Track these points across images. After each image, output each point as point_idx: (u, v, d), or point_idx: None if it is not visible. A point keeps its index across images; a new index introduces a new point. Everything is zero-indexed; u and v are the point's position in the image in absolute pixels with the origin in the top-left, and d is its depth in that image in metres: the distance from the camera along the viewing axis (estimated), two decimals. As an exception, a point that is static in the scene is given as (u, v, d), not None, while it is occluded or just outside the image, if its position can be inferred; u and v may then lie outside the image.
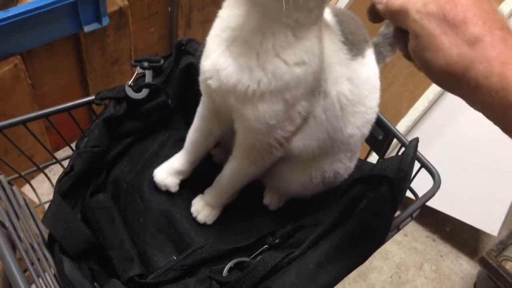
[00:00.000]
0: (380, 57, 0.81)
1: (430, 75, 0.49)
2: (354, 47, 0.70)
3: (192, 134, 0.81)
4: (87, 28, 1.35)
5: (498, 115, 0.45)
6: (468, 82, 0.45)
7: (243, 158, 0.74)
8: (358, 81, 0.71)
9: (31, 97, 1.39)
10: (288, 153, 0.73)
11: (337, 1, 1.66)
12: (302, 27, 0.61)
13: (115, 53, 1.53)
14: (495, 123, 0.46)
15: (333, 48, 0.68)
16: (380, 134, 0.89)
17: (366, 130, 0.76)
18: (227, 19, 0.65)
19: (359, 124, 0.74)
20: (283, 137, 0.69)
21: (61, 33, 1.33)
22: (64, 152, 1.54)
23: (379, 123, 0.87)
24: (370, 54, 0.75)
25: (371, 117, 0.76)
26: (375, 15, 0.53)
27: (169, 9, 1.66)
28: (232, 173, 0.77)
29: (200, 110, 0.79)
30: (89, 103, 0.83)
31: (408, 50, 0.50)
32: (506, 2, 1.44)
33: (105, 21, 1.38)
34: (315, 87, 0.67)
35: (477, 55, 0.44)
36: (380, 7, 0.51)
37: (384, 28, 0.82)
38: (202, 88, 0.73)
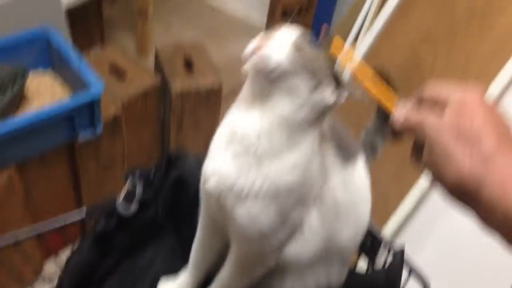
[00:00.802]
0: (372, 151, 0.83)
1: (443, 187, 0.49)
2: (345, 156, 0.72)
3: (194, 250, 0.80)
4: (82, 137, 1.40)
5: None
6: (481, 200, 0.45)
7: (235, 270, 0.74)
8: (351, 188, 0.73)
9: (24, 206, 1.40)
10: (282, 262, 0.73)
11: (354, 52, 1.72)
12: (298, 131, 0.62)
13: (109, 158, 1.56)
14: (510, 242, 0.45)
15: (327, 154, 0.70)
16: (368, 240, 0.90)
17: (358, 241, 0.77)
18: (230, 118, 0.67)
19: (351, 235, 0.75)
20: (276, 246, 0.70)
21: (56, 143, 1.37)
22: (54, 261, 1.52)
23: (368, 229, 0.89)
24: (361, 163, 0.77)
25: (363, 228, 0.77)
26: (395, 133, 0.56)
27: (162, 113, 1.72)
28: (223, 285, 0.77)
29: (200, 223, 0.78)
30: (79, 221, 0.84)
31: (423, 162, 0.51)
32: None
33: (100, 128, 1.42)
34: (309, 194, 0.68)
35: (490, 174, 0.45)
36: (398, 125, 0.54)
37: (365, 135, 0.84)
38: (202, 195, 0.73)
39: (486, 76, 1.48)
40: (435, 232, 1.51)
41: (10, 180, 1.30)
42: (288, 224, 0.68)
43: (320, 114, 0.63)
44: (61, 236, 0.87)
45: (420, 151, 0.52)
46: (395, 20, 1.67)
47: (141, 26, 2.36)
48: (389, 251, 0.87)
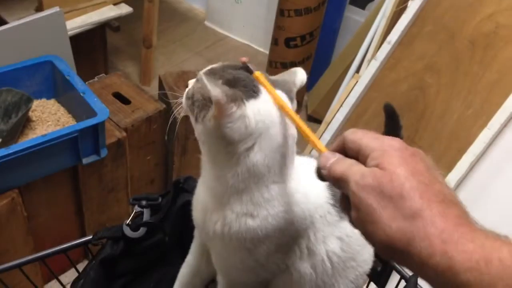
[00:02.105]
0: None
1: (374, 246, 0.48)
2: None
3: (182, 270, 0.82)
4: (85, 160, 1.39)
5: None
6: (412, 257, 0.44)
7: None
8: (349, 238, 0.72)
9: (26, 229, 1.39)
10: None
11: (355, 83, 1.73)
12: (251, 189, 0.62)
13: (112, 182, 1.55)
14: None
15: (320, 212, 0.69)
16: (379, 265, 0.89)
17: (361, 281, 0.76)
18: None
19: (352, 278, 0.74)
20: (258, 282, 0.70)
21: (60, 166, 1.36)
22: (56, 283, 1.51)
23: (377, 254, 0.87)
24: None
25: (365, 269, 0.76)
26: (320, 175, 0.53)
27: (166, 138, 1.72)
28: None
29: (192, 246, 0.81)
30: (86, 243, 0.83)
31: (351, 219, 0.49)
32: None
33: (104, 153, 1.42)
34: (286, 242, 0.67)
35: (417, 231, 0.43)
36: (324, 172, 0.51)
37: None
38: (194, 222, 0.75)
39: (489, 104, 1.49)
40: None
41: (13, 202, 1.29)
42: (268, 267, 0.68)
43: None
44: (64, 259, 0.85)
45: (347, 205, 0.49)
46: (399, 49, 1.69)
47: (144, 55, 2.38)
48: (400, 276, 0.85)
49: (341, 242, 0.71)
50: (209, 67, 0.64)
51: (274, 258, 0.67)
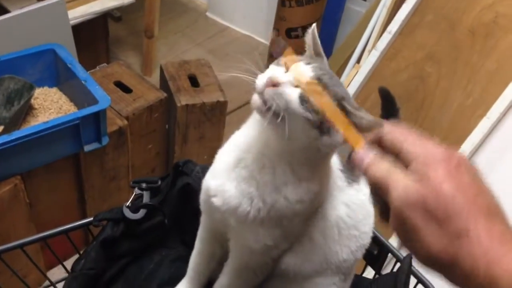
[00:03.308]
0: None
1: (416, 260, 0.47)
2: (351, 174, 0.74)
3: (194, 259, 0.81)
4: (87, 148, 1.40)
5: None
6: (455, 273, 0.44)
7: (235, 277, 0.75)
8: (354, 205, 0.73)
9: (28, 216, 1.40)
10: (282, 272, 0.73)
11: (356, 73, 1.74)
12: (304, 167, 0.62)
13: (113, 170, 1.57)
14: None
15: (332, 176, 0.71)
16: (375, 249, 0.90)
17: (359, 255, 0.77)
18: (239, 138, 0.67)
19: (353, 248, 0.75)
20: (277, 254, 0.70)
21: (62, 154, 1.38)
22: (58, 269, 1.52)
23: (373, 238, 0.88)
24: (364, 181, 0.77)
25: (365, 242, 0.77)
26: (352, 169, 0.53)
27: (167, 126, 1.74)
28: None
29: (200, 233, 0.79)
30: (87, 224, 0.84)
31: (392, 227, 0.47)
32: None
33: (105, 140, 1.43)
34: (313, 213, 0.69)
35: (461, 252, 0.43)
36: (360, 169, 0.50)
37: None
38: (203, 206, 0.74)
39: (489, 94, 1.50)
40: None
41: (16, 189, 1.31)
42: (289, 239, 0.69)
43: (324, 155, 0.62)
44: (66, 245, 0.87)
45: (386, 210, 0.48)
46: (399, 39, 1.69)
47: (146, 45, 2.39)
48: (396, 259, 0.86)
49: (347, 209, 0.72)
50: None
51: (299, 228, 0.68)
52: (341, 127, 0.54)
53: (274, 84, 0.55)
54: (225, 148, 0.70)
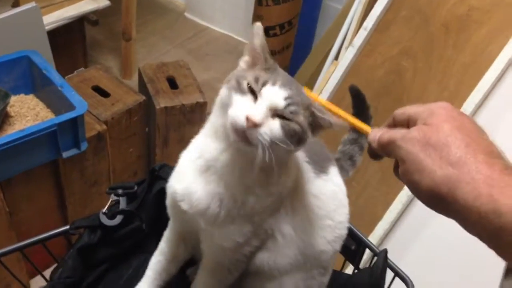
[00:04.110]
0: (343, 171, 0.85)
1: (419, 197, 0.50)
2: (317, 166, 0.75)
3: (155, 259, 0.81)
4: (66, 154, 1.39)
5: (491, 236, 0.45)
6: (457, 202, 0.45)
7: (210, 277, 0.75)
8: (323, 196, 0.75)
9: (8, 225, 1.39)
10: (256, 268, 0.74)
11: (334, 69, 1.75)
12: (274, 167, 0.62)
13: (94, 175, 1.56)
14: (489, 245, 0.46)
15: (300, 168, 0.72)
16: (353, 244, 0.91)
17: (337, 246, 0.78)
18: (202, 148, 0.68)
19: (329, 239, 0.75)
20: (249, 251, 0.71)
21: (40, 161, 1.37)
22: (41, 279, 1.51)
23: (350, 234, 0.90)
24: (333, 171, 0.78)
25: (342, 232, 0.78)
26: (374, 154, 0.58)
27: (147, 130, 1.73)
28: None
29: (166, 235, 0.80)
30: (63, 233, 0.84)
31: (399, 174, 0.52)
32: None
33: (84, 146, 1.43)
34: (281, 206, 0.70)
35: (462, 176, 0.45)
36: (374, 145, 0.56)
37: (342, 146, 0.88)
38: (170, 211, 0.75)
39: (464, 86, 1.52)
40: (421, 238, 1.53)
41: (-6, 199, 1.30)
42: (260, 235, 0.70)
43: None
44: (47, 256, 0.86)
45: (396, 167, 0.54)
46: (375, 35, 1.70)
47: (124, 48, 2.38)
48: (373, 254, 0.87)
49: (317, 200, 0.73)
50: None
51: (268, 224, 0.69)
52: (350, 121, 0.62)
53: (255, 125, 0.56)
54: (189, 154, 0.71)
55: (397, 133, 0.52)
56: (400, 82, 1.66)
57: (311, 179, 0.74)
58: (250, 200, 0.65)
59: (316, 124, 0.62)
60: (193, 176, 0.68)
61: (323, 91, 1.80)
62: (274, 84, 0.59)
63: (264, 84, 0.59)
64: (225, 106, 0.60)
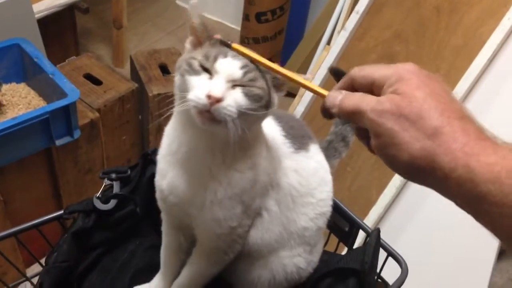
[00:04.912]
0: (336, 153, 0.86)
1: (396, 170, 0.48)
2: (296, 141, 0.75)
3: (163, 255, 0.81)
4: (59, 142, 1.39)
5: (469, 204, 0.44)
6: (435, 174, 0.45)
7: (204, 261, 0.76)
8: (304, 172, 0.75)
9: (3, 214, 1.39)
10: (247, 248, 0.75)
11: (326, 54, 1.75)
12: (248, 139, 0.63)
13: (88, 163, 1.56)
14: (467, 211, 0.45)
15: (276, 142, 0.72)
16: (346, 226, 0.92)
17: (321, 223, 0.78)
18: (175, 141, 0.67)
19: (311, 216, 0.76)
20: (243, 231, 0.72)
21: (33, 149, 1.36)
22: (38, 267, 1.52)
23: (344, 215, 0.90)
24: (314, 149, 0.79)
25: (324, 210, 0.78)
26: (327, 114, 0.53)
27: (140, 117, 1.73)
28: (191, 277, 0.77)
29: (164, 229, 0.80)
30: (57, 218, 0.84)
31: (373, 147, 0.49)
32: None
33: (77, 134, 1.42)
34: (268, 182, 0.71)
35: (439, 147, 0.44)
36: (334, 111, 0.51)
37: (334, 127, 0.88)
38: (160, 205, 0.76)
39: (456, 69, 1.52)
40: (414, 221, 1.54)
41: (-13, 187, 1.29)
42: (251, 215, 0.71)
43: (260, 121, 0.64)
44: (42, 245, 0.86)
45: (366, 136, 0.51)
46: (367, 19, 1.70)
47: (116, 36, 2.36)
48: (366, 234, 0.88)
49: (298, 176, 0.73)
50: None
51: (256, 203, 0.70)
52: (306, 84, 0.56)
53: (218, 100, 0.56)
54: (165, 148, 0.71)
55: (364, 103, 0.48)
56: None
57: (290, 154, 0.74)
58: (236, 177, 0.65)
59: (278, 83, 0.62)
60: (174, 169, 0.68)
61: (315, 77, 1.79)
62: (225, 56, 0.59)
63: (215, 59, 0.58)
64: (184, 92, 0.59)
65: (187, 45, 0.65)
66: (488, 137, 0.45)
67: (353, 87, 0.52)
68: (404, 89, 0.46)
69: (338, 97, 0.51)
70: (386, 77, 0.48)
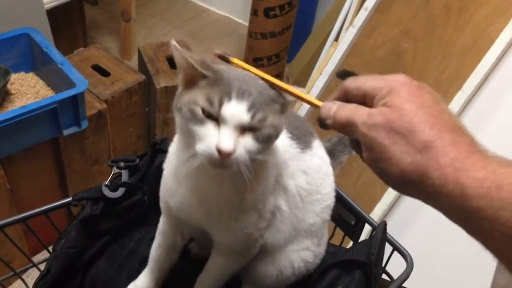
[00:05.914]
0: (345, 149, 0.86)
1: (388, 183, 0.48)
2: (301, 141, 0.75)
3: (154, 253, 0.80)
4: (66, 132, 1.40)
5: (461, 219, 0.44)
6: (426, 188, 0.45)
7: (225, 259, 0.76)
8: (311, 171, 0.75)
9: (10, 202, 1.40)
10: (263, 249, 0.75)
11: (334, 51, 1.75)
12: (257, 163, 0.60)
13: (94, 154, 1.56)
14: (459, 225, 0.45)
15: (283, 145, 0.71)
16: (352, 220, 0.92)
17: (326, 215, 0.79)
18: (183, 159, 0.64)
19: (318, 211, 0.77)
20: (259, 235, 0.72)
21: (40, 138, 1.37)
22: (43, 256, 1.53)
23: (350, 209, 0.90)
24: (317, 145, 0.79)
25: (329, 202, 0.79)
26: (323, 125, 0.53)
27: (147, 109, 1.73)
28: (218, 271, 0.77)
29: (161, 227, 0.79)
30: (66, 204, 0.85)
31: (364, 159, 0.49)
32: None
33: (84, 124, 1.43)
34: (276, 183, 0.71)
35: (430, 162, 0.44)
36: (329, 122, 0.51)
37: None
38: (168, 215, 0.76)
39: (464, 68, 1.52)
40: (419, 219, 1.54)
41: (-5, 175, 1.30)
42: (266, 215, 0.70)
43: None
44: (50, 229, 0.87)
45: (359, 147, 0.50)
46: (376, 16, 1.70)
47: (124, 29, 2.37)
48: (372, 228, 0.88)
49: (306, 176, 0.73)
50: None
51: (269, 205, 0.70)
52: (302, 96, 0.56)
53: (229, 154, 0.54)
54: (172, 165, 0.69)
55: (356, 115, 0.48)
56: (400, 63, 1.66)
57: (298, 155, 0.73)
58: (248, 197, 0.65)
59: (284, 108, 0.60)
60: (182, 188, 0.67)
61: (322, 73, 1.79)
62: (229, 99, 0.55)
63: (220, 104, 0.55)
64: (189, 138, 0.58)
65: (180, 86, 0.61)
66: (479, 150, 0.45)
67: (347, 98, 0.52)
68: (395, 102, 0.46)
69: (333, 109, 0.51)
70: (377, 89, 0.49)
